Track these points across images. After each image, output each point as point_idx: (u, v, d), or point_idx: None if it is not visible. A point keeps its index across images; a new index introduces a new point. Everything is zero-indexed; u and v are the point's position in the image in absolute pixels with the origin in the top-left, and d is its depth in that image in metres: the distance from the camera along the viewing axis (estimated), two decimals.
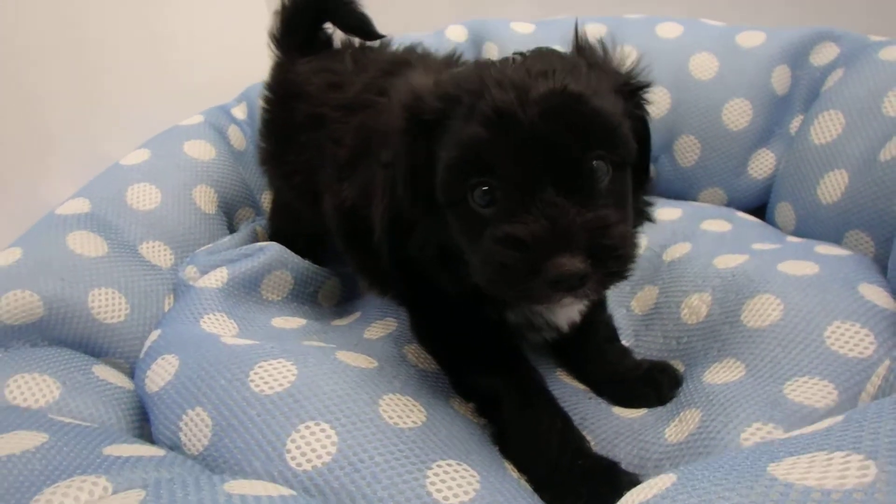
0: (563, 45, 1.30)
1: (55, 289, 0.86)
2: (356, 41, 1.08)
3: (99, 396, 0.78)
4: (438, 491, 0.59)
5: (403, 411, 0.68)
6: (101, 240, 0.96)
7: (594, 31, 1.30)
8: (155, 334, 0.84)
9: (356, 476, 0.60)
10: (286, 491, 0.51)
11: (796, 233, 1.08)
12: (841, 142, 1.03)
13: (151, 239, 1.03)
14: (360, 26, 1.08)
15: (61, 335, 0.86)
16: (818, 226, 1.03)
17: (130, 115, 1.28)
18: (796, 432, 0.44)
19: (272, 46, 1.10)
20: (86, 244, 0.94)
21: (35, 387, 0.76)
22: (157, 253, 1.03)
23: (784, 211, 1.12)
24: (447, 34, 1.39)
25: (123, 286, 0.93)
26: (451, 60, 0.94)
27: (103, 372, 0.84)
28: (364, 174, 0.77)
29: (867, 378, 0.65)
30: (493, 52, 1.35)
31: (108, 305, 0.90)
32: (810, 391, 0.67)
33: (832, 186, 1.01)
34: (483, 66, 0.65)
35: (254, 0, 1.39)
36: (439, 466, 0.61)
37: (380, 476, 0.60)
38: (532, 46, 1.28)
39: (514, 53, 0.67)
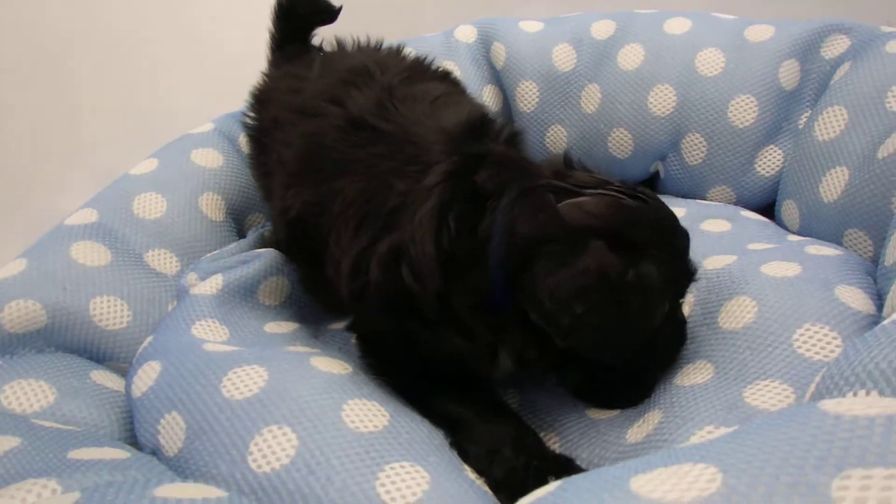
0: (571, 44, 1.31)
1: (57, 298, 0.90)
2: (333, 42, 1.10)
3: (93, 401, 0.82)
4: (387, 492, 0.60)
5: (366, 416, 0.69)
6: (105, 249, 1.00)
7: (603, 28, 1.30)
8: (147, 341, 0.87)
9: (311, 479, 0.61)
10: (217, 493, 0.53)
11: (801, 231, 1.06)
12: (843, 138, 1.00)
13: (157, 247, 1.06)
14: (325, 9, 1.12)
15: (65, 342, 0.90)
16: (820, 224, 1.01)
17: (151, 127, 1.32)
18: (692, 441, 0.43)
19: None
20: (90, 254, 0.98)
21: (30, 392, 0.80)
22: (163, 260, 1.06)
23: (789, 209, 1.09)
24: (456, 35, 1.40)
25: (126, 294, 0.97)
26: (418, 66, 0.94)
27: (101, 377, 0.87)
28: (314, 190, 0.79)
29: None
30: (500, 53, 1.35)
31: (109, 312, 0.94)
32: (768, 395, 0.66)
33: (833, 184, 0.99)
34: (610, 200, 0.70)
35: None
36: (392, 468, 0.62)
37: (333, 478, 0.61)
38: (541, 45, 1.32)
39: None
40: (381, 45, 1.07)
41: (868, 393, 0.47)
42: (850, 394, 0.48)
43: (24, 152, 1.12)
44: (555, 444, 0.75)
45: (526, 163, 0.78)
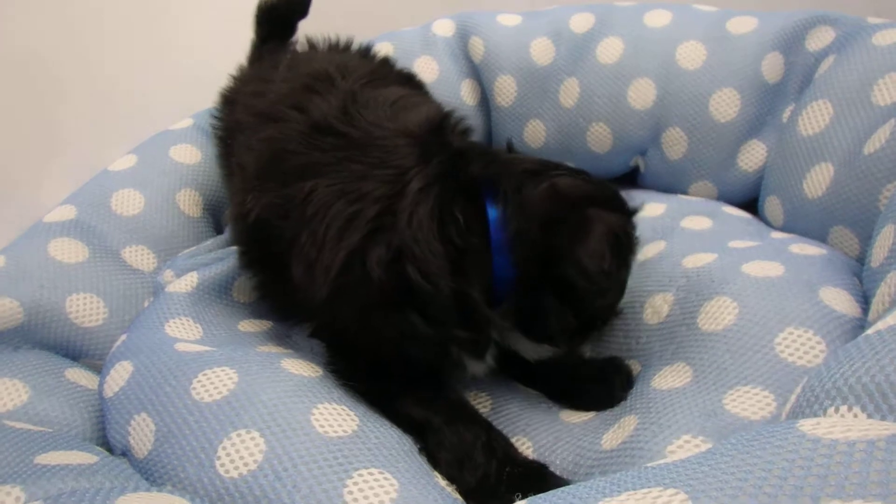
0: (549, 37, 1.30)
1: (34, 295, 0.91)
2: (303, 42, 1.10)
3: (67, 399, 0.82)
4: (354, 500, 0.59)
5: (336, 420, 0.68)
6: (82, 246, 1.00)
7: (582, 22, 1.29)
8: (120, 339, 0.87)
9: (278, 485, 0.61)
10: (180, 503, 0.52)
11: (785, 228, 1.04)
12: (828, 133, 0.99)
13: (134, 243, 1.06)
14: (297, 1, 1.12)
15: (42, 339, 0.91)
16: (805, 221, 0.99)
17: (133, 123, 1.31)
18: (659, 462, 0.42)
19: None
20: (67, 251, 0.98)
21: (3, 391, 0.80)
22: (140, 257, 1.06)
23: (773, 205, 1.08)
24: (434, 28, 1.38)
25: (102, 290, 0.97)
26: (381, 69, 0.94)
27: (75, 375, 0.87)
28: (277, 193, 0.78)
29: None
30: (478, 47, 1.33)
31: (85, 310, 0.94)
32: (749, 402, 0.65)
33: (818, 180, 0.97)
34: (577, 177, 0.77)
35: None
36: (360, 475, 0.61)
37: (300, 485, 0.60)
38: (518, 39, 1.30)
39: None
40: (350, 45, 1.06)
41: (850, 408, 0.46)
42: (832, 409, 0.47)
43: (3, 149, 1.11)
44: (528, 449, 0.74)
45: (502, 153, 0.81)
